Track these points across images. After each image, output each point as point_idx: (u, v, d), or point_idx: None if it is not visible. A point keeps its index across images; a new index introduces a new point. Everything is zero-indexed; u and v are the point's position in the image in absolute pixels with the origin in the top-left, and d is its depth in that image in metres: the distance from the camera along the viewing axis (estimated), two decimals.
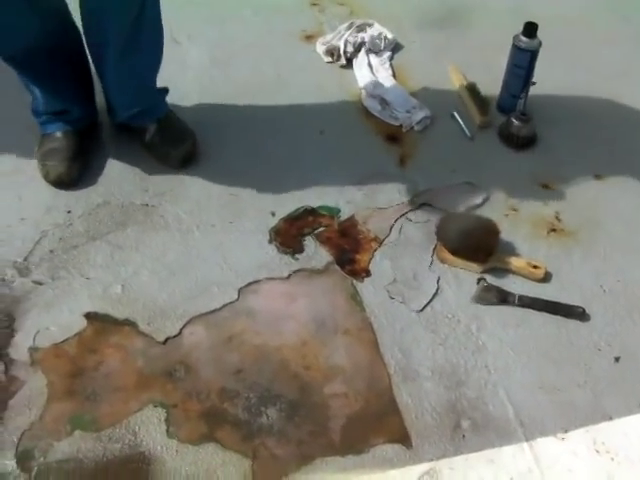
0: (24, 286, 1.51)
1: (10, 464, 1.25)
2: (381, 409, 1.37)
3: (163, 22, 1.68)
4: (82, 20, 1.60)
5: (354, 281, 1.58)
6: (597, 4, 2.48)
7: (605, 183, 1.84)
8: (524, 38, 1.86)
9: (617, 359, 1.47)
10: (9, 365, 1.38)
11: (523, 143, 1.92)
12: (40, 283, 1.52)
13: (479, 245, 1.61)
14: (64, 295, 1.50)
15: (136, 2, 1.54)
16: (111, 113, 1.84)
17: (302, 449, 1.30)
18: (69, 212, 1.67)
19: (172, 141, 1.78)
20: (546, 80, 1.95)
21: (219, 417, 1.34)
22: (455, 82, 2.12)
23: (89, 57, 1.73)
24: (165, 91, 1.82)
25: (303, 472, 1.27)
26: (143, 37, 1.61)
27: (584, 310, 1.53)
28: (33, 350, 1.41)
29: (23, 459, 1.26)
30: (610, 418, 1.37)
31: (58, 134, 1.74)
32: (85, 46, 1.69)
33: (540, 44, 1.86)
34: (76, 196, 1.70)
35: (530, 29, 1.84)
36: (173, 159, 1.78)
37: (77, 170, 1.73)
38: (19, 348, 1.41)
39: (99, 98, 1.84)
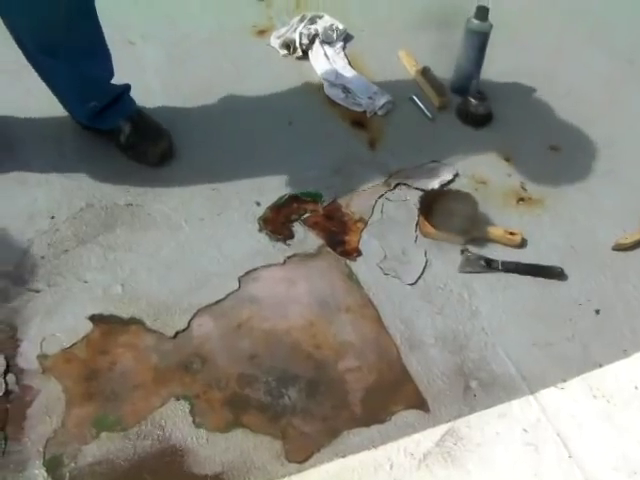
0: (20, 295, 1.47)
1: (40, 473, 1.23)
2: (395, 378, 1.43)
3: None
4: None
5: (347, 261, 1.63)
6: None
7: (560, 153, 1.97)
8: (476, 21, 1.95)
9: (597, 312, 1.59)
10: (20, 375, 1.35)
11: (481, 120, 2.02)
12: (37, 290, 1.48)
13: (461, 218, 1.70)
14: (64, 300, 1.47)
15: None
16: (75, 117, 1.80)
17: (328, 424, 1.34)
18: (53, 218, 1.62)
19: (150, 138, 1.76)
20: (493, 61, 2.07)
21: (242, 403, 1.36)
22: (408, 66, 2.20)
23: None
24: (127, 87, 1.77)
25: (333, 445, 1.31)
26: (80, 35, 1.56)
27: (562, 270, 1.65)
28: (42, 358, 1.38)
29: (53, 467, 1.24)
30: (600, 365, 1.49)
31: None
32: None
33: (491, 27, 1.96)
34: (57, 202, 1.66)
35: (482, 12, 1.93)
36: (151, 156, 1.76)
37: None
38: (27, 357, 1.37)
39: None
